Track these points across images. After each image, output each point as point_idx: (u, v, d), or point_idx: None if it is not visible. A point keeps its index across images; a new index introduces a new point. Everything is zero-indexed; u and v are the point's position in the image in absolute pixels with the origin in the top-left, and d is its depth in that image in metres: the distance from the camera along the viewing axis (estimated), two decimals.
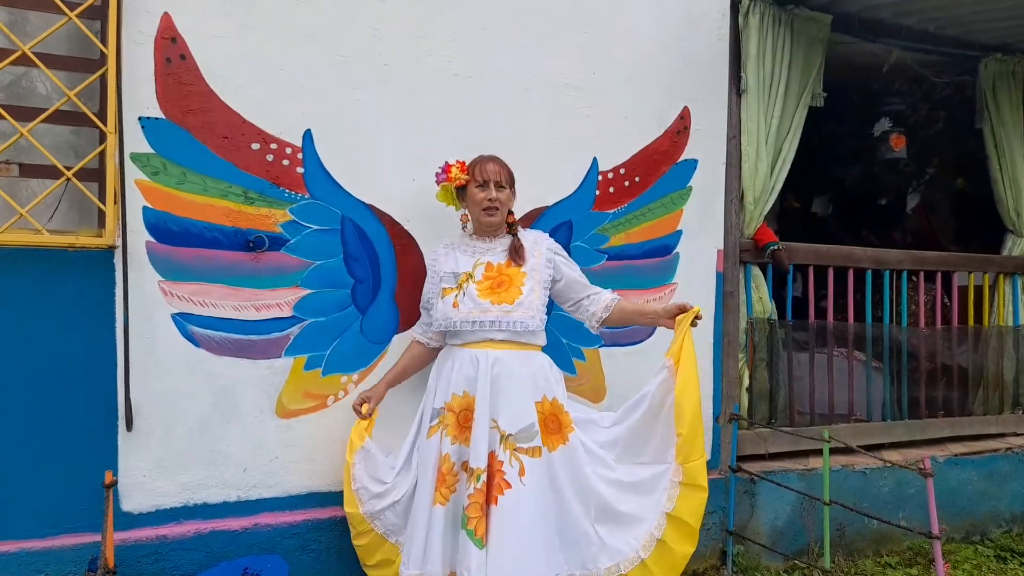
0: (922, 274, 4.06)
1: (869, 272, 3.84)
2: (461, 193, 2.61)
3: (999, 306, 4.22)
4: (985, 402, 4.16)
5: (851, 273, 3.80)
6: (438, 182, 2.61)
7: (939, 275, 4.07)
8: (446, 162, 2.59)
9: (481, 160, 2.58)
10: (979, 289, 4.21)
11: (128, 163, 2.41)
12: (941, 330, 4.11)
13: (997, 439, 4.09)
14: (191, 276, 2.49)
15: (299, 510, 2.65)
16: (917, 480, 3.53)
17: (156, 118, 2.44)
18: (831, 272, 3.74)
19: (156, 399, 2.47)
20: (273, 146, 2.58)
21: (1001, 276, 4.22)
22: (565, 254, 2.67)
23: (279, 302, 2.60)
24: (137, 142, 2.42)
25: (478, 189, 2.54)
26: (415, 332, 2.71)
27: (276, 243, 2.59)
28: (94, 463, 2.37)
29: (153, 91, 2.43)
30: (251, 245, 2.56)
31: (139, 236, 2.43)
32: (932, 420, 3.98)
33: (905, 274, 3.97)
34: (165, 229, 2.46)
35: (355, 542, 2.60)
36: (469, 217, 2.61)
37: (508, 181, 2.58)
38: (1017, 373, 4.19)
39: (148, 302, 2.45)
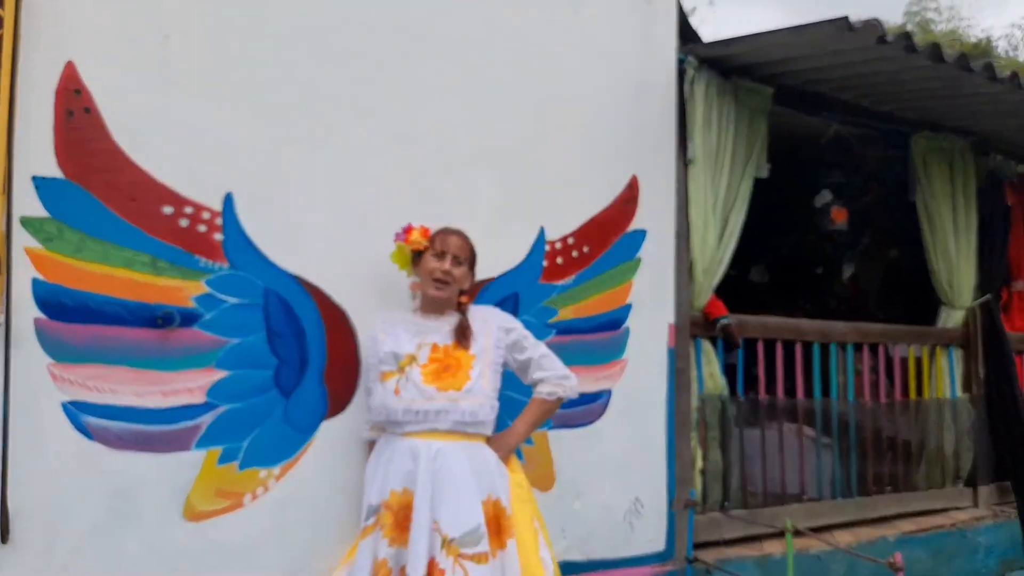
0: (866, 347, 4.06)
1: (816, 345, 3.80)
2: (416, 259, 2.41)
3: (937, 378, 4.25)
4: (928, 476, 4.15)
5: (799, 347, 3.74)
6: (396, 240, 2.42)
7: (881, 348, 4.07)
8: (409, 224, 2.42)
9: (445, 231, 2.41)
10: (919, 361, 4.23)
11: (17, 228, 2.09)
12: (885, 403, 4.09)
13: (942, 515, 4.06)
14: (87, 358, 2.16)
15: None
16: (871, 564, 3.42)
17: (53, 178, 2.14)
18: (779, 345, 3.67)
19: (40, 504, 2.09)
20: (188, 210, 2.30)
21: (938, 348, 4.26)
22: (521, 328, 2.47)
23: (190, 387, 2.28)
24: (30, 204, 2.11)
25: (434, 258, 2.35)
26: (364, 432, 2.45)
27: (188, 319, 2.29)
28: None
29: (51, 147, 2.14)
30: (159, 322, 2.25)
31: (26, 312, 2.09)
32: (880, 497, 3.93)
33: (850, 347, 3.95)
34: (58, 304, 2.13)
35: None
36: (419, 286, 2.40)
37: (467, 259, 2.40)
38: (957, 446, 4.20)
39: (34, 389, 2.09)
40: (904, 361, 4.19)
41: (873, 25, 2.82)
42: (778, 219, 5.33)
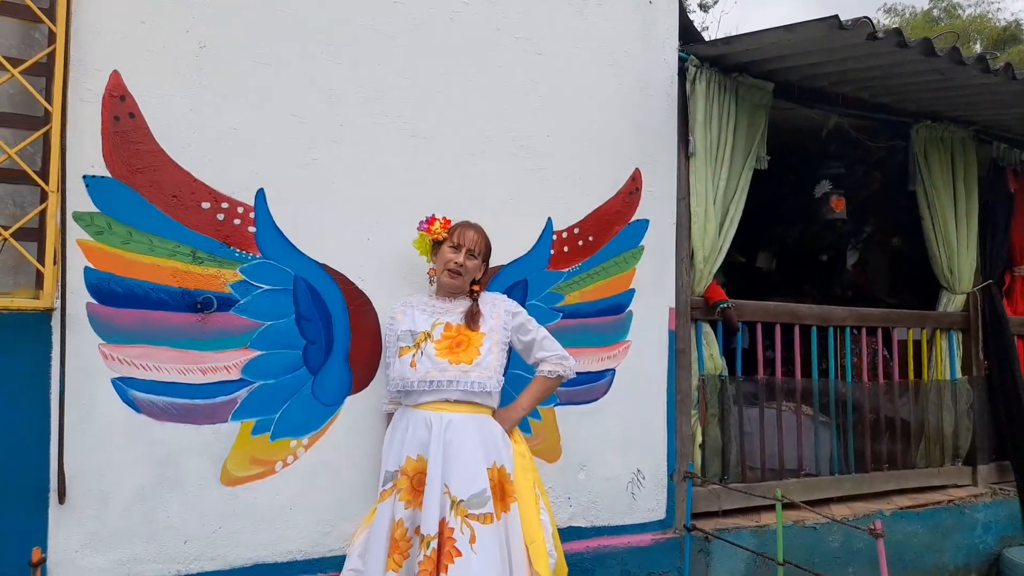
0: (864, 330, 4.19)
1: (814, 328, 3.94)
2: (436, 248, 2.62)
3: (937, 361, 4.37)
4: (927, 455, 4.27)
5: (797, 329, 3.89)
6: (419, 229, 2.63)
7: (880, 331, 4.20)
8: (432, 214, 2.62)
9: (464, 225, 2.62)
10: (918, 344, 4.35)
11: (70, 222, 2.33)
12: (884, 384, 4.22)
13: (939, 491, 4.19)
14: (134, 339, 2.40)
15: None
16: (866, 534, 3.57)
17: (102, 176, 2.37)
18: (778, 328, 3.82)
19: (92, 469, 2.34)
20: (224, 205, 2.53)
21: (938, 332, 4.38)
22: (525, 314, 2.66)
23: (227, 364, 2.52)
24: (81, 201, 2.35)
25: (451, 250, 2.56)
26: (384, 405, 2.67)
27: (225, 304, 2.52)
28: (21, 539, 2.22)
29: (99, 149, 2.37)
30: (199, 306, 2.49)
31: (79, 298, 2.34)
32: (878, 473, 4.06)
33: (848, 330, 4.09)
34: (108, 290, 2.37)
35: None
36: (436, 272, 2.62)
37: (482, 253, 2.61)
38: (956, 426, 4.32)
39: (87, 367, 2.34)
40: (903, 344, 4.31)
41: (863, 23, 2.95)
42: (784, 209, 5.47)
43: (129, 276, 2.40)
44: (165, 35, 2.47)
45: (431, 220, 2.61)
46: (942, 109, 4.19)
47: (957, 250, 4.34)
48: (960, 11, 23.61)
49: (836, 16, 2.95)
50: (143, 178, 2.42)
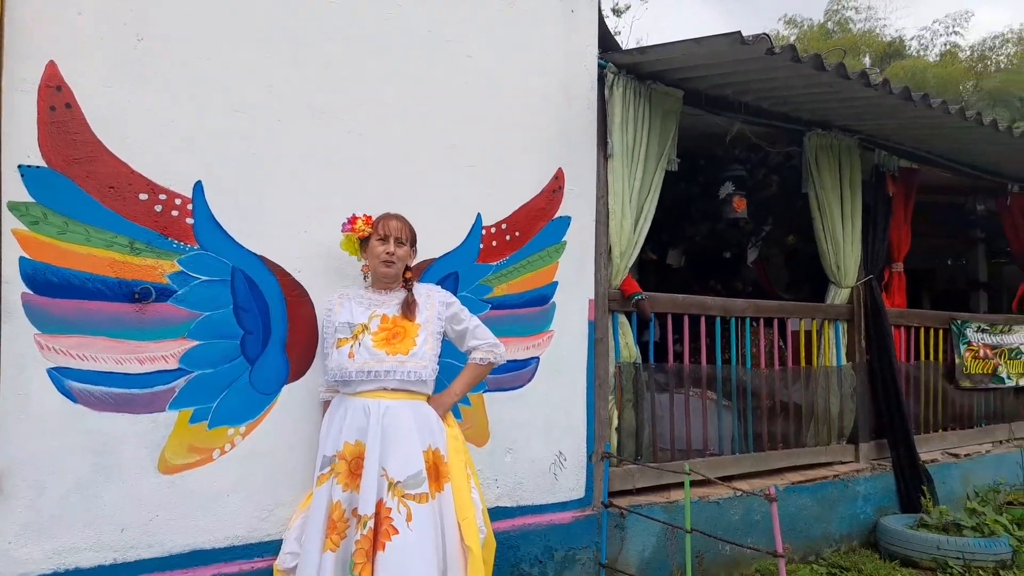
0: (762, 320, 4.56)
1: (718, 319, 4.27)
2: (364, 245, 2.72)
3: (825, 349, 4.79)
4: (816, 434, 4.69)
5: (703, 320, 4.21)
6: (343, 231, 2.72)
7: (776, 321, 4.58)
8: (352, 214, 2.70)
9: (386, 216, 2.72)
10: (809, 334, 4.77)
11: (5, 212, 2.32)
12: (779, 371, 4.61)
13: (826, 467, 4.61)
14: (71, 329, 2.41)
15: (180, 569, 2.57)
16: (763, 507, 3.93)
17: (37, 166, 2.37)
18: (686, 319, 4.13)
19: (27, 459, 2.34)
20: (162, 197, 2.56)
21: (826, 322, 4.81)
22: (458, 304, 2.81)
23: (164, 354, 2.56)
24: (16, 190, 2.34)
25: (379, 242, 2.67)
26: (321, 393, 2.76)
27: (163, 294, 2.56)
28: None
29: (35, 139, 2.37)
30: (137, 296, 2.51)
31: (14, 287, 2.33)
32: (773, 452, 4.44)
33: (748, 320, 4.44)
34: (43, 280, 2.38)
35: None
36: (370, 268, 2.72)
37: (408, 239, 2.72)
38: (841, 408, 4.76)
39: (22, 357, 2.34)
40: (796, 334, 4.71)
41: (762, 39, 3.26)
42: (692, 209, 5.84)
43: (65, 266, 2.41)
44: (102, 27, 2.48)
45: (353, 220, 2.71)
46: (831, 119, 4.61)
47: (843, 248, 4.78)
48: (852, 25, 25.27)
49: (739, 32, 3.24)
50: (80, 169, 2.43)
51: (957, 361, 5.62)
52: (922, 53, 24.82)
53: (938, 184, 5.91)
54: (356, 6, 2.97)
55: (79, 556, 2.41)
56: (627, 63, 3.70)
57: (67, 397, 2.40)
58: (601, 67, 3.67)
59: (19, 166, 2.34)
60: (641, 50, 3.69)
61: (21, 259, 2.35)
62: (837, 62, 3.64)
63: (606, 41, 3.76)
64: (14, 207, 2.34)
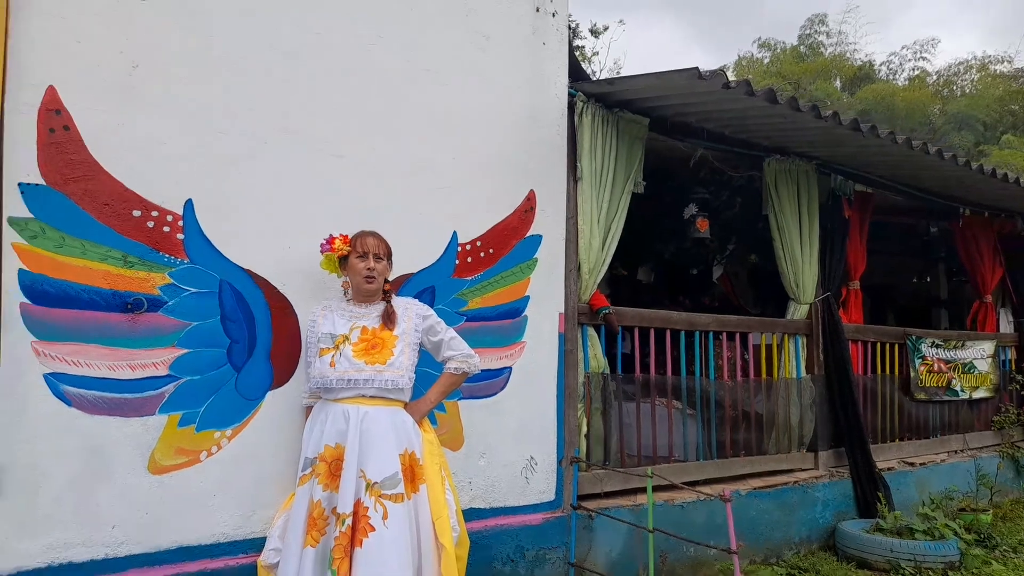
0: (725, 334, 4.78)
1: (683, 332, 4.49)
2: (343, 262, 2.88)
3: (785, 361, 5.02)
4: (777, 443, 4.91)
5: (668, 333, 4.42)
6: (322, 251, 2.88)
7: (738, 335, 4.80)
8: (330, 235, 2.87)
9: (362, 234, 2.89)
10: (770, 347, 5.00)
11: (5, 227, 2.47)
12: (741, 382, 4.82)
13: (787, 474, 4.83)
14: (66, 337, 2.56)
15: (168, 564, 2.71)
16: (725, 511, 4.11)
17: (36, 184, 2.53)
18: (652, 332, 4.34)
19: (24, 460, 2.48)
20: (154, 213, 2.73)
21: (786, 336, 5.04)
22: (435, 316, 2.98)
23: (155, 361, 2.71)
24: (16, 206, 2.49)
25: (358, 259, 2.84)
26: (304, 399, 2.92)
27: (154, 305, 2.72)
28: None
29: (35, 159, 2.53)
30: (129, 307, 2.67)
31: (13, 297, 2.48)
32: (736, 459, 4.65)
33: (712, 334, 4.67)
34: (41, 291, 2.52)
35: None
36: (350, 284, 2.88)
37: (386, 254, 2.90)
38: (801, 418, 4.99)
39: (20, 363, 2.48)
40: (757, 347, 4.94)
41: (718, 75, 3.50)
42: (660, 228, 6.08)
43: (62, 278, 2.56)
44: (99, 54, 2.65)
45: (331, 240, 2.87)
46: (789, 145, 4.87)
47: (802, 267, 5.02)
48: (823, 49, 25.99)
49: (696, 68, 3.48)
50: (76, 187, 2.59)
51: (912, 374, 5.88)
52: (891, 77, 25.59)
53: (894, 207, 6.21)
54: (340, 38, 3.17)
55: (72, 551, 2.54)
56: (596, 92, 3.92)
57: (62, 401, 2.55)
58: (571, 96, 3.89)
59: (19, 184, 2.50)
60: (609, 81, 3.93)
61: (20, 271, 2.50)
62: (789, 96, 3.90)
63: (576, 71, 3.99)
64: (14, 222, 2.49)
